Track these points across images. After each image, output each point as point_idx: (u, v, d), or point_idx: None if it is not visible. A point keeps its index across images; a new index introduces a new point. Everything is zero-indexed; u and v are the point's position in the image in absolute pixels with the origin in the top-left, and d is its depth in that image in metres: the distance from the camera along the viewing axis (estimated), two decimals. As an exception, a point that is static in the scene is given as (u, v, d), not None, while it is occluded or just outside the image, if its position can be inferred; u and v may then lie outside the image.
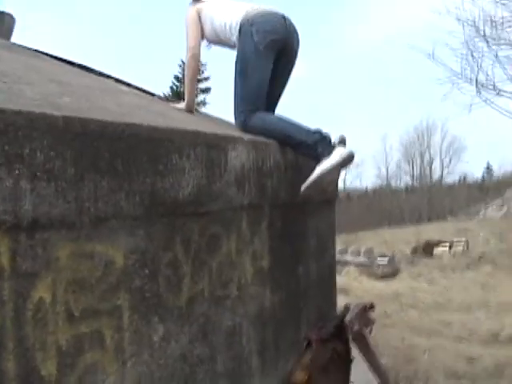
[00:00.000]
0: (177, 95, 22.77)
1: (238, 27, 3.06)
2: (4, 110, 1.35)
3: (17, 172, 1.36)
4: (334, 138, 2.81)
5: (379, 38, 67.74)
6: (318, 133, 2.85)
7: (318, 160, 2.78)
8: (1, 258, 1.32)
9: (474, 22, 9.21)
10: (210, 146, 2.07)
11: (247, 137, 2.50)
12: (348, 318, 3.20)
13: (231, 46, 3.28)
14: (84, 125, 1.55)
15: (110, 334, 1.61)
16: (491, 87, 8.95)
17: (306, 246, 3.06)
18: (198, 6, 3.31)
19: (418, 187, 49.15)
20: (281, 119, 3.01)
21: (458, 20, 9.33)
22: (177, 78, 27.02)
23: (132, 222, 1.70)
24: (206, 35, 3.28)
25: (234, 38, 3.10)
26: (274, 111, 3.24)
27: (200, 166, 1.98)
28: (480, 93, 8.94)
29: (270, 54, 3.01)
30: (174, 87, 26.99)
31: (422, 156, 49.37)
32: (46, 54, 3.87)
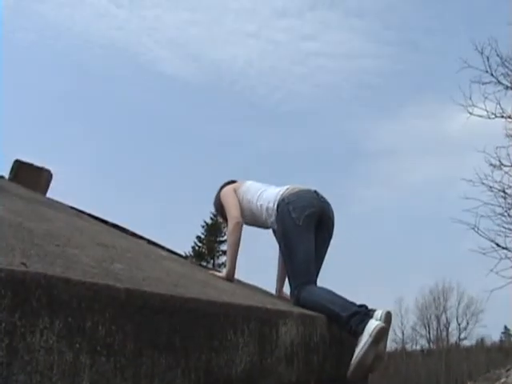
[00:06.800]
0: (199, 256, 22.82)
1: (275, 207, 3.23)
2: (69, 280, 1.34)
3: (77, 346, 1.31)
4: (377, 312, 2.75)
5: (393, 201, 68.41)
6: (354, 306, 2.82)
7: (354, 336, 2.72)
8: None
9: (505, 192, 9.47)
10: (262, 321, 2.03)
11: (296, 311, 2.47)
12: None
13: (266, 227, 3.49)
14: (145, 298, 1.54)
15: None
16: None
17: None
18: (234, 186, 3.55)
19: (434, 350, 47.53)
20: (323, 291, 3.01)
21: (491, 190, 9.61)
22: (199, 238, 27.17)
23: (186, 401, 1.61)
24: (242, 214, 3.41)
25: (272, 218, 3.28)
26: (317, 278, 3.24)
27: (253, 342, 1.93)
28: None
29: (309, 226, 3.14)
30: (196, 247, 27.04)
31: (438, 319, 48.37)
32: (79, 211, 3.98)
